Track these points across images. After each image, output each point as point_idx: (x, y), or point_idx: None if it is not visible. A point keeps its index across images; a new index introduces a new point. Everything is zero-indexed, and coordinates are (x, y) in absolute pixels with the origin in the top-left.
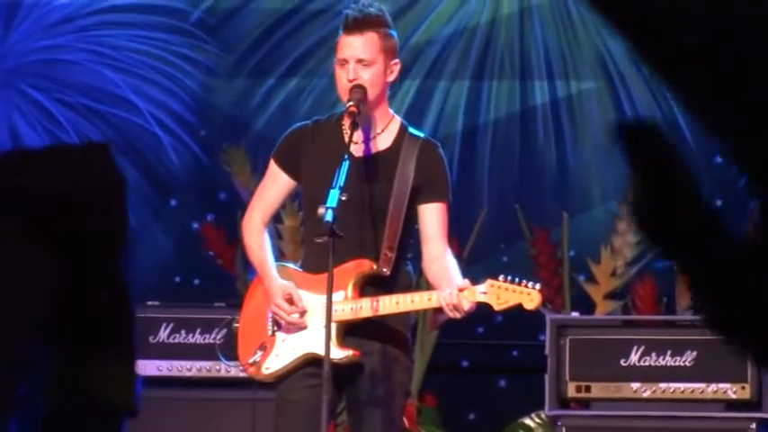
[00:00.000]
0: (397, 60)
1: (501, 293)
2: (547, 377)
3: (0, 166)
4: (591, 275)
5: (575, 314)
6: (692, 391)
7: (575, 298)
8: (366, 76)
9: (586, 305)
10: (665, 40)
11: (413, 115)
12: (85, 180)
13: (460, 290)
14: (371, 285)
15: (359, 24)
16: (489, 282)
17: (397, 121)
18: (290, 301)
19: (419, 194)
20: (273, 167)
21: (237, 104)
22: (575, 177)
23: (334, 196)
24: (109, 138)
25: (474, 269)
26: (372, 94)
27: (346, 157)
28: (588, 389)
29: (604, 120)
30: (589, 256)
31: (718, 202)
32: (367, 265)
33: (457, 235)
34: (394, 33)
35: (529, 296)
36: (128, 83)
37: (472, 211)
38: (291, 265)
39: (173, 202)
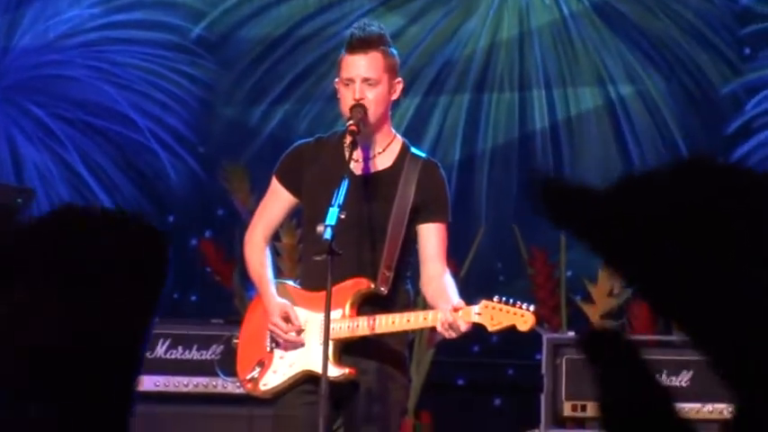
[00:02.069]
0: (399, 79)
1: (495, 314)
2: (543, 396)
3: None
4: (588, 295)
5: (571, 334)
6: (688, 411)
7: (571, 318)
8: (372, 96)
9: (583, 325)
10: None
11: (412, 134)
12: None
13: (455, 310)
14: (369, 304)
15: (363, 44)
16: (484, 303)
17: (399, 140)
18: (287, 319)
19: (419, 214)
20: (275, 184)
21: (237, 121)
22: None
23: (333, 214)
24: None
25: (471, 288)
26: (377, 113)
27: (345, 175)
28: (584, 408)
29: (604, 142)
30: (586, 276)
31: None
32: (365, 284)
33: (454, 253)
34: (395, 52)
35: (522, 318)
36: (127, 99)
37: (470, 230)
38: (290, 283)
39: (171, 219)
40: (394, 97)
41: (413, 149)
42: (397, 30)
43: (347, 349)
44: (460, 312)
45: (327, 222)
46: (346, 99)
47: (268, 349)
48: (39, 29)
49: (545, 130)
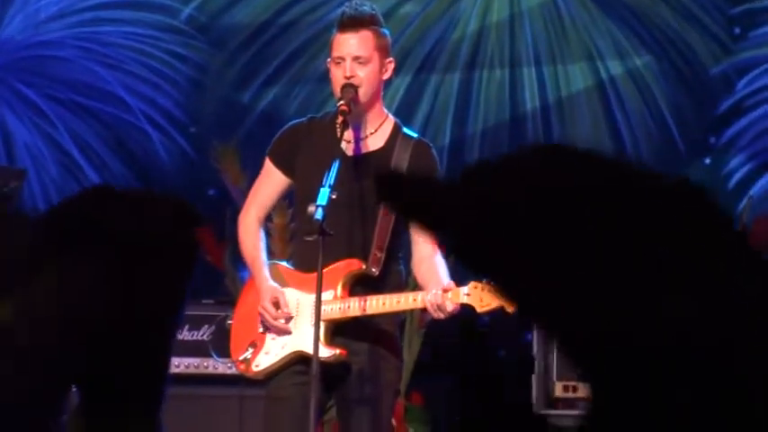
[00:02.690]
0: (391, 59)
1: (484, 296)
2: (534, 377)
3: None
4: None
5: None
6: None
7: None
8: (362, 74)
9: None
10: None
11: (403, 114)
12: (163, 239)
13: (445, 291)
14: (361, 285)
15: (354, 22)
16: (473, 284)
17: (391, 120)
18: (277, 304)
19: None
20: (269, 165)
21: (228, 102)
22: None
23: (324, 195)
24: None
25: (461, 269)
26: (368, 92)
27: (337, 156)
28: (575, 389)
29: (594, 122)
30: None
31: None
32: (356, 265)
33: None
34: (386, 32)
35: None
36: (118, 79)
37: None
38: (283, 263)
39: None
40: (385, 77)
41: (405, 129)
42: (388, 9)
43: (339, 330)
44: (450, 293)
45: (318, 203)
46: (337, 78)
47: (260, 330)
48: (30, 9)
49: (536, 110)
